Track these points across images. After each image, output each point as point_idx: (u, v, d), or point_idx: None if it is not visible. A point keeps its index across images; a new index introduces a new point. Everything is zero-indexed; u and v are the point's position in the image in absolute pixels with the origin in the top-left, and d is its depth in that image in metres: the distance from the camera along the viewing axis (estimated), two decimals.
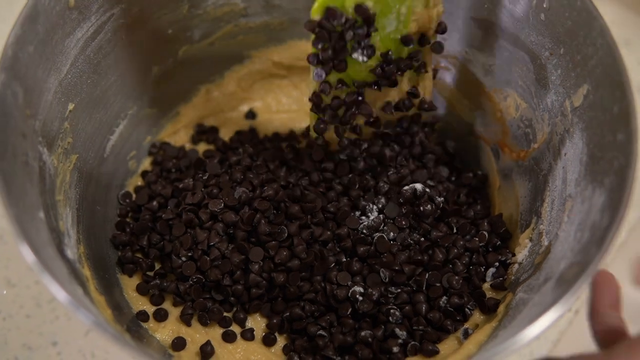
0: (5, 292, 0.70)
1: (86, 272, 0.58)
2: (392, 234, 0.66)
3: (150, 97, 0.73)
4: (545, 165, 0.63)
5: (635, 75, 0.55)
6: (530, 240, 0.64)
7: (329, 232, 0.66)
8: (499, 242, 0.68)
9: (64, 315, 0.69)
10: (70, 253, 0.56)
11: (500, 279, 0.65)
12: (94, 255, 0.62)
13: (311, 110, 0.69)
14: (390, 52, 0.67)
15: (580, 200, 0.55)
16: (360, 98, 0.69)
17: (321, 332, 0.63)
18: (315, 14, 0.63)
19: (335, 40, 0.64)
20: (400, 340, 0.62)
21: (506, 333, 0.53)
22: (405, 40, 0.66)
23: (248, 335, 0.65)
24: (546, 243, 0.60)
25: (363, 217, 0.67)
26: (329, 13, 0.62)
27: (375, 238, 0.65)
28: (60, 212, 0.58)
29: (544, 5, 0.60)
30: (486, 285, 0.65)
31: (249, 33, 0.76)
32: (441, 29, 0.67)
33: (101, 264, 0.64)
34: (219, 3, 0.72)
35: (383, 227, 0.67)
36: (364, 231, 0.66)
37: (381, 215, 0.67)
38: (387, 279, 0.64)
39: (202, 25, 0.73)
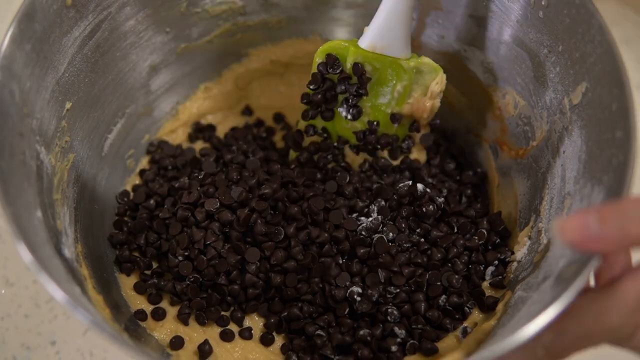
0: (3, 291, 0.70)
1: (84, 271, 0.58)
2: (391, 234, 0.66)
3: (148, 96, 0.73)
4: (544, 163, 0.63)
5: (634, 73, 0.55)
6: (529, 238, 0.63)
7: (326, 234, 0.65)
8: (498, 240, 0.68)
9: (63, 314, 0.69)
10: (68, 252, 0.56)
11: (499, 277, 0.65)
12: (91, 254, 0.62)
13: (291, 148, 0.73)
14: (376, 123, 0.69)
15: (579, 197, 0.55)
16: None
17: (319, 331, 0.62)
18: (318, 57, 0.66)
19: (327, 87, 0.67)
20: (399, 339, 0.62)
21: (505, 331, 0.53)
22: (393, 117, 0.69)
23: (246, 334, 0.65)
24: (545, 241, 0.60)
25: (362, 218, 0.67)
26: (328, 59, 0.66)
27: (375, 239, 0.65)
28: (58, 211, 0.57)
29: (543, 3, 0.60)
30: (485, 284, 0.65)
31: (247, 31, 0.76)
32: (434, 124, 0.70)
33: (99, 263, 0.64)
34: (217, 1, 0.72)
35: (382, 228, 0.66)
36: (363, 232, 0.66)
37: (380, 217, 0.67)
38: (385, 280, 0.64)
39: (201, 24, 0.73)
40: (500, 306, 0.61)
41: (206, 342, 0.62)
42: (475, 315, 0.63)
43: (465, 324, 0.63)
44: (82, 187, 0.64)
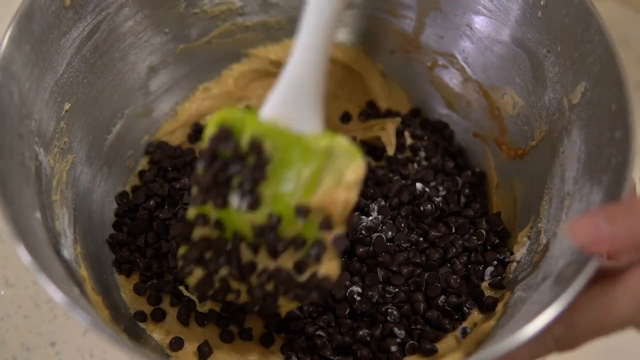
0: (2, 292, 0.70)
1: (83, 272, 0.58)
2: (390, 233, 0.66)
3: (147, 96, 0.73)
4: (543, 163, 0.63)
5: (633, 73, 0.55)
6: (529, 238, 0.63)
7: None
8: (497, 241, 0.67)
9: (63, 315, 0.69)
10: (67, 253, 0.56)
11: (499, 277, 0.65)
12: (90, 256, 0.62)
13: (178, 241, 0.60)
14: (277, 218, 0.52)
15: (579, 198, 0.55)
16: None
17: (319, 332, 0.62)
18: (209, 129, 0.52)
19: (218, 167, 0.52)
20: (398, 340, 0.62)
21: (505, 332, 0.53)
22: (298, 211, 0.52)
23: (246, 335, 0.65)
24: (544, 241, 0.59)
25: (363, 217, 0.67)
26: (220, 134, 0.51)
27: (374, 238, 0.65)
28: (57, 212, 0.57)
29: (541, 3, 0.60)
30: (484, 284, 0.65)
31: (246, 32, 0.76)
32: (351, 225, 0.57)
33: (98, 264, 0.64)
34: (215, 2, 0.72)
35: (382, 227, 0.66)
36: (363, 232, 0.66)
37: (380, 216, 0.67)
38: (384, 280, 0.64)
39: (199, 24, 0.73)
40: (499, 306, 0.61)
41: (206, 343, 0.62)
42: (475, 315, 0.63)
43: (464, 324, 0.63)
44: (81, 188, 0.64)
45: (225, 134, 0.51)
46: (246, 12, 0.74)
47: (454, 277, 0.64)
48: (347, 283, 0.64)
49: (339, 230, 0.53)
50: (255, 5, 0.74)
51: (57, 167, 0.59)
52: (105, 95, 0.67)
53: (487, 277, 0.66)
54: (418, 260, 0.65)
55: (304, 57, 0.50)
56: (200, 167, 0.52)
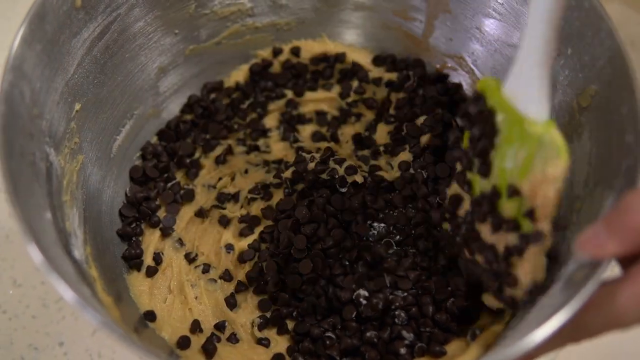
0: (11, 292, 0.70)
1: (93, 272, 0.58)
2: (398, 237, 0.66)
3: (157, 97, 0.73)
4: None
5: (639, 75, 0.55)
6: None
7: (332, 241, 0.65)
8: None
9: (71, 315, 0.69)
10: (77, 254, 0.56)
11: None
12: (100, 256, 0.62)
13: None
14: (496, 192, 0.54)
15: (589, 201, 0.55)
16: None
17: (329, 334, 0.62)
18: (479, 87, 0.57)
19: (484, 122, 0.55)
20: (407, 342, 0.62)
21: (514, 335, 0.53)
22: (509, 189, 0.53)
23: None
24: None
25: (375, 224, 0.67)
26: (474, 98, 0.57)
27: (381, 243, 0.65)
28: (67, 213, 0.58)
29: None
30: None
31: (255, 33, 0.76)
32: (561, 225, 0.55)
33: (108, 265, 0.64)
34: (225, 3, 0.72)
35: (390, 234, 0.67)
36: (370, 238, 0.66)
37: (386, 226, 0.67)
38: (391, 285, 0.64)
39: (209, 25, 0.73)
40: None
41: (209, 341, 0.62)
42: (484, 318, 0.63)
43: (473, 327, 0.63)
44: (91, 189, 0.64)
45: (477, 98, 0.56)
46: (256, 14, 0.74)
47: (462, 280, 0.64)
48: (354, 286, 0.64)
49: (541, 227, 0.51)
50: (265, 7, 0.74)
51: (67, 167, 0.59)
52: (115, 95, 0.67)
53: None
54: (425, 265, 0.65)
55: (533, 43, 0.50)
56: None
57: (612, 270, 0.46)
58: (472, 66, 0.72)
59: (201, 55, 0.74)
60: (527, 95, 0.52)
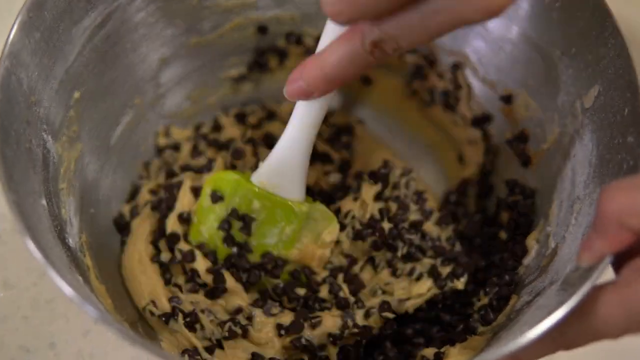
0: (2, 294, 0.69)
1: (88, 261, 0.58)
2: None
3: (157, 88, 0.73)
4: (554, 166, 0.62)
5: None
6: (538, 242, 0.63)
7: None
8: None
9: (63, 316, 0.68)
10: (72, 241, 0.56)
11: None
12: (96, 245, 0.62)
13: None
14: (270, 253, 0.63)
15: (589, 202, 0.54)
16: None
17: None
18: (204, 191, 0.63)
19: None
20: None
21: (509, 335, 0.53)
22: (279, 262, 0.64)
23: None
24: (553, 245, 0.59)
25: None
26: (212, 198, 0.63)
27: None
28: (63, 200, 0.58)
29: (556, 4, 0.60)
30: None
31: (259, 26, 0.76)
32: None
33: (103, 253, 0.64)
34: None
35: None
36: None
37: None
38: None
39: (212, 17, 0.72)
40: (506, 309, 0.61)
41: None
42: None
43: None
44: (88, 178, 0.64)
45: (216, 199, 0.62)
46: (260, 7, 0.74)
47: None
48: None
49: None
50: (269, 0, 0.74)
51: (65, 155, 0.59)
52: (115, 85, 0.67)
53: None
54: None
55: (291, 144, 0.58)
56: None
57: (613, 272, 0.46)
58: (476, 66, 0.71)
59: (203, 48, 0.74)
60: (287, 185, 0.60)
